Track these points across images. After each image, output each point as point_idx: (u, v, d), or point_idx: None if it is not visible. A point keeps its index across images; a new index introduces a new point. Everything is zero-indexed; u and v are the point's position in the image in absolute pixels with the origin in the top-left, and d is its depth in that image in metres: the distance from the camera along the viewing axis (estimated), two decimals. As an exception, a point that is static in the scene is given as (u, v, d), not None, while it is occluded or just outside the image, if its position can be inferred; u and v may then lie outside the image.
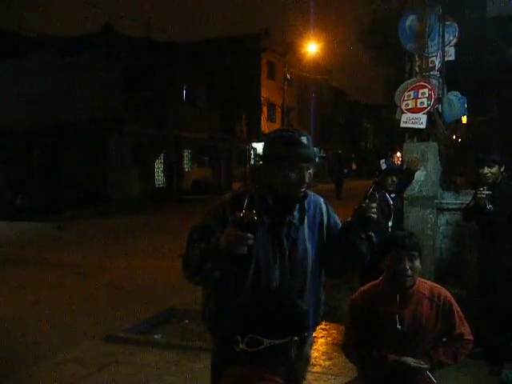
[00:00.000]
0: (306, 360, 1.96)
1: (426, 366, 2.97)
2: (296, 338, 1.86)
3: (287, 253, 2.63)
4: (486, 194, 4.98)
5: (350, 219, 2.69)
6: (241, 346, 1.85)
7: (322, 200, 2.83)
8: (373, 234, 2.71)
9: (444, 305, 3.07)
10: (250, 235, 2.33)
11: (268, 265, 2.59)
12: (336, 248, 2.74)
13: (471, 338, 3.11)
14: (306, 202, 2.68)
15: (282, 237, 2.62)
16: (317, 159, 2.67)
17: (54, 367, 5.50)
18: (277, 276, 2.60)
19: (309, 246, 2.68)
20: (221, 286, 2.63)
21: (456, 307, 3.11)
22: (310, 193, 2.74)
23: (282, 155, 2.54)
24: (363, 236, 2.68)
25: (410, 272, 2.99)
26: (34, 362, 5.62)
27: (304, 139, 2.56)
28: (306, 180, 2.57)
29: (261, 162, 2.70)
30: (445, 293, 3.12)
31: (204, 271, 2.48)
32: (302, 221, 2.67)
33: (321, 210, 2.78)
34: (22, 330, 6.72)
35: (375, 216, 2.63)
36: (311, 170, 2.58)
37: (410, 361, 2.96)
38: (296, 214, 2.66)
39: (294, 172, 2.53)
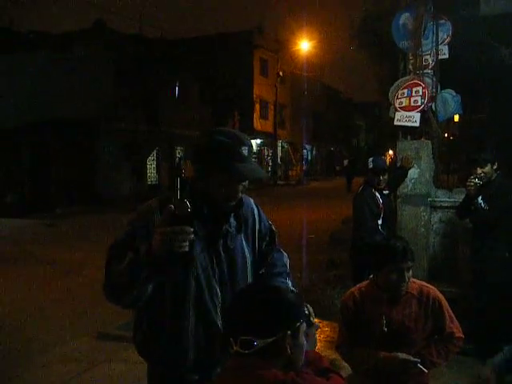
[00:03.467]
0: (300, 347, 1.87)
1: (415, 359, 2.97)
2: (289, 331, 1.81)
3: (225, 265, 2.37)
4: (475, 183, 5.02)
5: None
6: (235, 348, 1.80)
7: (252, 202, 2.56)
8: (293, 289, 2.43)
9: (433, 304, 3.07)
10: (189, 228, 1.98)
11: (209, 280, 2.32)
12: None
13: (461, 335, 3.11)
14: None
15: (219, 248, 2.36)
16: (260, 175, 2.33)
17: (47, 365, 5.48)
18: (218, 291, 2.34)
19: (247, 254, 2.45)
20: (155, 306, 2.31)
21: (445, 306, 3.11)
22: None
23: (216, 168, 2.24)
24: None
25: (406, 283, 3.00)
26: (25, 360, 5.60)
27: (245, 150, 2.24)
28: (239, 195, 2.31)
29: (192, 165, 2.33)
30: (434, 292, 3.12)
31: (135, 286, 2.11)
32: (239, 229, 2.43)
33: (253, 214, 2.53)
34: (13, 327, 6.69)
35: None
36: (246, 183, 2.31)
37: (400, 354, 2.96)
38: (232, 221, 2.40)
39: (226, 188, 2.26)
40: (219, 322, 2.31)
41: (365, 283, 3.22)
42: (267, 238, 2.59)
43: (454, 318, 3.13)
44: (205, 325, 2.33)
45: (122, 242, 2.26)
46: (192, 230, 2.00)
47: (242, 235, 2.45)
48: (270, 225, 2.64)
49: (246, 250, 2.46)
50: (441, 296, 3.14)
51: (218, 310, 2.33)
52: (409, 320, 3.03)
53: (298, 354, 1.87)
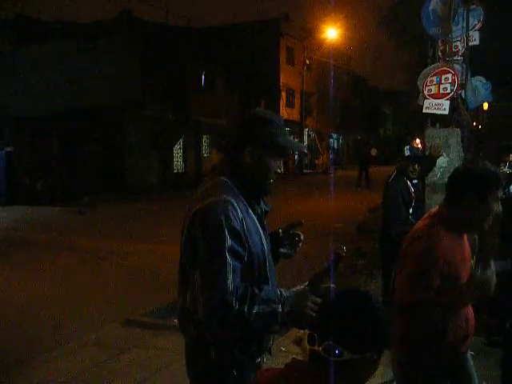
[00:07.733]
0: (372, 372, 1.75)
1: None
2: (375, 356, 1.69)
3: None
4: (504, 172, 4.95)
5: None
6: (317, 347, 1.66)
7: None
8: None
9: None
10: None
11: (270, 256, 2.38)
12: None
13: None
14: None
15: (264, 226, 2.42)
16: (303, 149, 2.31)
17: (75, 351, 5.56)
18: (272, 264, 2.39)
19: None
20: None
21: None
22: None
23: (269, 142, 2.30)
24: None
25: None
26: (54, 346, 5.68)
27: (286, 128, 2.40)
28: (279, 171, 2.38)
29: (241, 145, 2.34)
30: None
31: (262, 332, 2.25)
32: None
33: None
34: (42, 314, 6.80)
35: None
36: None
37: None
38: (262, 203, 2.45)
39: (274, 162, 2.34)
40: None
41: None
42: None
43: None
44: None
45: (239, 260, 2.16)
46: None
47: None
48: None
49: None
50: None
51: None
52: None
53: (368, 376, 1.76)
